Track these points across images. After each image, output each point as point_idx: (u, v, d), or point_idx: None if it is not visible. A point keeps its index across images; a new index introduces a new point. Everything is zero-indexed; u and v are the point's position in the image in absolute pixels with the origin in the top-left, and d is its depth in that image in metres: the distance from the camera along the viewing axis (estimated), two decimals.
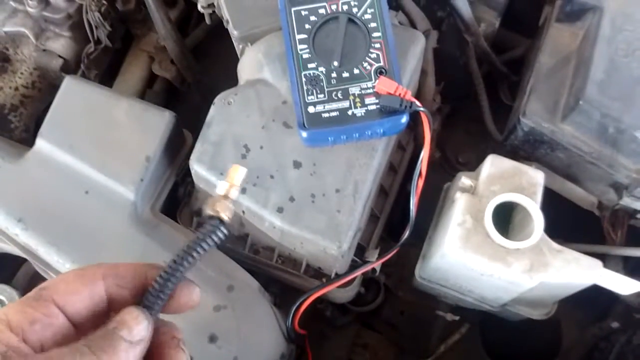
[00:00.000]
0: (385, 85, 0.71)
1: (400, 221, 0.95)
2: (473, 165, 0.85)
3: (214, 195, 0.51)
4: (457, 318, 1.01)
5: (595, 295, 0.82)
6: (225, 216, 0.49)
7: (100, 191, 0.80)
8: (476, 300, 0.90)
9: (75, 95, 0.83)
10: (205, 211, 0.48)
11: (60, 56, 0.99)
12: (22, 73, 1.03)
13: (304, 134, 0.73)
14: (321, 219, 0.75)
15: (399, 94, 0.71)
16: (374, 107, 0.72)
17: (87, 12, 0.97)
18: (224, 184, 0.50)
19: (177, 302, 0.49)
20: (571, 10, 0.91)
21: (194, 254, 0.47)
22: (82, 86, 0.84)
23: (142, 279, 0.49)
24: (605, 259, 0.93)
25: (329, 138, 0.74)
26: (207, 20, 0.95)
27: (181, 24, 1.15)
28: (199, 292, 0.50)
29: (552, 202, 0.80)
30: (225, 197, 0.50)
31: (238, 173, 0.51)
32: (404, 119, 0.73)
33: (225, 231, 0.49)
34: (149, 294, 0.47)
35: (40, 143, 0.82)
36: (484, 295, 0.87)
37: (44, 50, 1.00)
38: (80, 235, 0.77)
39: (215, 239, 0.48)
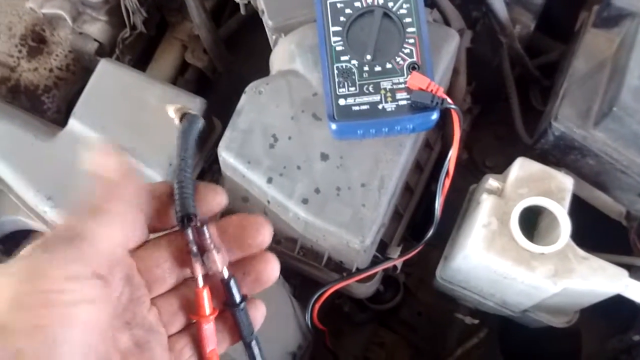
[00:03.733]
0: (417, 80, 0.71)
1: (423, 222, 0.95)
2: (500, 169, 0.85)
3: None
4: (476, 322, 1.00)
5: (617, 307, 0.81)
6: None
7: None
8: (497, 304, 0.90)
9: (109, 77, 0.84)
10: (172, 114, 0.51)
11: (95, 40, 1.01)
12: (57, 55, 1.05)
13: (334, 126, 0.73)
14: (346, 212, 0.75)
15: (431, 90, 0.70)
16: (404, 102, 0.72)
17: None
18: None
19: (207, 203, 0.48)
20: (608, 15, 0.90)
21: (188, 149, 0.50)
22: (117, 69, 0.85)
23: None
24: (631, 270, 0.91)
25: (358, 131, 0.74)
26: (242, 10, 0.96)
27: (215, 14, 1.16)
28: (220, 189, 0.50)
29: (580, 210, 0.79)
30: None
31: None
32: (435, 116, 0.72)
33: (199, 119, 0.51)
34: (178, 198, 0.47)
35: (73, 123, 0.83)
36: (506, 300, 0.87)
37: (80, 33, 1.02)
38: None
39: (196, 128, 0.51)
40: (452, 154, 0.74)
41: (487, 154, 1.14)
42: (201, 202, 0.48)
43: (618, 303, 0.78)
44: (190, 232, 0.47)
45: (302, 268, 0.85)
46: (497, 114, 1.13)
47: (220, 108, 0.90)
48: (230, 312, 0.49)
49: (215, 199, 0.49)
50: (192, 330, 0.48)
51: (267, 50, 0.89)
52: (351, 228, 0.75)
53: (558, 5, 1.04)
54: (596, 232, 0.88)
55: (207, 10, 1.02)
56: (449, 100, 0.71)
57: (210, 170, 0.90)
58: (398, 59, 0.73)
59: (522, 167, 0.79)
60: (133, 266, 0.45)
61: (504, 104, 1.07)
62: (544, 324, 0.89)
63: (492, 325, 1.05)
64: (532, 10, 0.98)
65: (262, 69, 0.87)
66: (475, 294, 0.89)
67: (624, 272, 0.75)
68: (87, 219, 0.41)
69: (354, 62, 0.74)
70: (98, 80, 0.84)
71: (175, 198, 0.47)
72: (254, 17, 0.97)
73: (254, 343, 0.51)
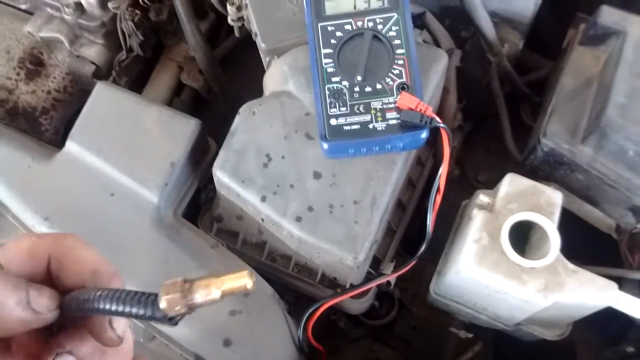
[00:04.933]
0: (406, 100, 0.72)
1: (417, 238, 0.96)
2: (492, 184, 0.86)
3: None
4: (470, 335, 1.01)
5: (610, 319, 0.81)
6: (169, 310, 0.38)
7: (125, 194, 0.82)
8: (490, 318, 0.90)
9: (106, 100, 0.86)
10: (160, 294, 0.39)
11: (92, 62, 1.03)
12: (54, 77, 1.06)
13: (325, 146, 0.74)
14: (338, 230, 0.77)
15: (420, 110, 0.72)
16: (394, 121, 0.74)
17: (121, 21, 1.01)
18: (206, 282, 0.39)
19: (91, 324, 0.43)
20: (595, 34, 0.92)
21: (114, 308, 0.39)
22: (113, 92, 0.87)
23: (79, 280, 0.43)
24: (622, 283, 0.92)
25: (350, 150, 0.76)
26: (236, 32, 0.98)
27: (211, 35, 1.18)
28: (114, 338, 0.43)
29: (570, 224, 0.80)
30: (190, 293, 0.38)
31: (239, 282, 0.39)
32: (424, 135, 0.74)
33: (157, 319, 0.39)
34: (74, 298, 0.42)
35: (70, 145, 0.84)
36: (498, 314, 0.88)
37: (78, 56, 1.04)
38: (104, 236, 0.80)
39: (144, 319, 0.40)
40: (443, 170, 0.76)
41: (479, 170, 1.15)
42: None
43: (611, 315, 0.79)
44: None
45: (297, 285, 0.86)
46: (488, 130, 1.14)
47: (215, 127, 0.91)
48: None
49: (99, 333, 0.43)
50: None
51: (260, 70, 0.90)
52: (344, 245, 0.76)
53: (545, 23, 1.06)
54: (587, 246, 0.89)
55: (202, 33, 1.04)
56: (437, 119, 0.72)
57: (205, 188, 0.91)
58: (388, 80, 0.75)
59: (511, 183, 0.80)
60: None
61: (495, 120, 1.09)
62: (537, 337, 0.90)
63: (487, 338, 1.06)
64: (519, 29, 1.00)
65: (257, 89, 0.89)
66: (469, 308, 0.90)
67: (613, 285, 0.76)
68: None
69: (345, 83, 0.75)
70: (95, 102, 0.86)
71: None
72: (248, 38, 0.99)
73: None
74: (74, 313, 0.42)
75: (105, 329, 0.42)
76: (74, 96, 1.08)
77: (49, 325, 0.44)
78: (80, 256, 0.44)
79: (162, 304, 0.38)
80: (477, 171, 1.15)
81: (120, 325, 0.43)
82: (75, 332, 0.43)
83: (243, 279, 0.38)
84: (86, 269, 0.43)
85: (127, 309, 0.39)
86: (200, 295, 0.38)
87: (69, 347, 0.42)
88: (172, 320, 0.39)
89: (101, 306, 0.39)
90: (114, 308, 0.39)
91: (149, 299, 0.39)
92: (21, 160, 0.85)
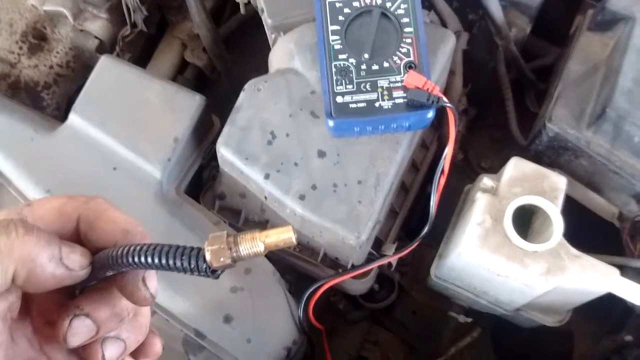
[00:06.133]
0: (413, 79, 0.72)
1: (418, 223, 0.96)
2: (494, 170, 0.86)
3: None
4: (469, 320, 1.01)
5: (609, 308, 0.82)
6: (214, 262, 0.39)
7: (128, 168, 0.82)
8: (490, 302, 0.90)
9: (110, 73, 0.85)
10: (205, 245, 0.39)
11: (96, 37, 1.02)
12: (57, 52, 1.05)
13: (331, 123, 0.74)
14: (342, 209, 0.76)
15: (427, 89, 0.71)
16: (401, 100, 0.73)
17: None
18: (251, 237, 0.39)
19: (123, 283, 0.43)
20: (603, 19, 0.91)
21: (157, 260, 0.40)
22: (118, 65, 0.86)
23: (111, 239, 0.43)
24: (623, 271, 0.92)
25: (355, 128, 0.75)
26: (242, 10, 0.97)
27: (215, 14, 1.17)
28: (147, 296, 0.43)
29: (573, 211, 0.80)
30: (235, 245, 0.39)
31: (282, 236, 0.39)
32: (430, 114, 0.74)
33: (201, 272, 0.40)
34: (107, 256, 0.42)
35: (73, 118, 0.84)
36: (499, 298, 0.87)
37: (81, 30, 1.03)
38: None
39: (187, 268, 0.40)
40: (448, 151, 0.75)
41: (482, 156, 1.15)
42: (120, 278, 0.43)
43: (610, 304, 0.79)
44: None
45: (298, 264, 0.86)
46: (492, 116, 1.14)
47: (218, 106, 0.90)
48: None
49: (133, 293, 0.43)
50: None
51: (265, 50, 0.90)
52: (347, 224, 0.76)
53: (553, 9, 1.06)
54: (589, 233, 0.89)
55: (207, 10, 1.03)
56: (444, 98, 0.72)
57: (208, 166, 0.90)
58: (395, 58, 0.75)
59: (516, 167, 0.80)
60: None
61: (499, 106, 1.08)
62: (536, 324, 0.90)
63: (486, 324, 1.06)
64: (527, 13, 1.00)
65: (260, 69, 0.88)
66: (469, 292, 0.90)
67: (615, 271, 0.76)
68: None
69: (352, 60, 0.75)
70: (99, 75, 0.85)
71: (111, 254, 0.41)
72: (253, 17, 0.98)
73: None
74: (106, 271, 0.42)
75: (138, 286, 0.42)
76: (77, 72, 1.07)
77: (71, 289, 0.44)
78: (112, 216, 0.43)
79: (208, 256, 0.38)
80: (480, 157, 1.14)
81: (153, 284, 0.43)
82: (95, 296, 0.43)
83: (288, 233, 0.39)
84: (118, 228, 0.43)
85: (172, 262, 0.39)
86: (244, 248, 0.38)
87: (87, 309, 0.42)
88: (215, 273, 0.39)
89: (142, 259, 0.39)
90: (157, 261, 0.39)
91: (193, 251, 0.39)
92: (23, 133, 0.84)
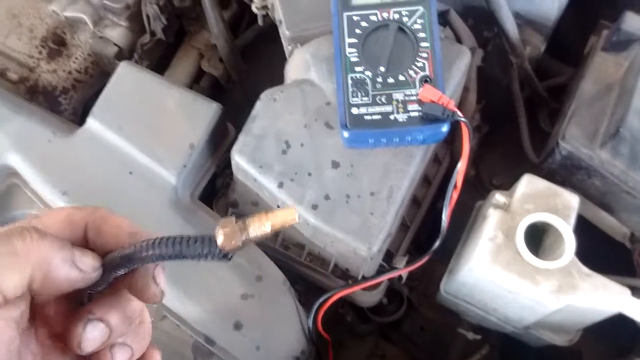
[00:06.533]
0: (429, 93, 0.73)
1: (428, 237, 0.96)
2: (506, 187, 0.86)
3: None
4: (478, 337, 1.00)
5: (619, 329, 0.81)
6: (226, 245, 0.40)
7: (143, 173, 0.82)
8: (500, 320, 0.90)
9: (129, 79, 0.86)
10: (216, 228, 0.41)
11: (115, 44, 1.03)
12: (76, 58, 1.07)
13: (346, 134, 0.75)
14: (354, 220, 0.77)
15: (442, 103, 0.72)
16: (416, 113, 0.74)
17: (145, 5, 1.01)
18: (260, 218, 0.41)
19: (134, 281, 0.44)
20: (618, 40, 0.92)
21: (171, 250, 0.41)
22: (137, 72, 0.87)
23: (117, 242, 0.45)
24: (634, 292, 0.92)
25: (370, 140, 0.76)
26: (260, 21, 0.98)
27: (232, 25, 1.18)
28: (157, 293, 0.45)
29: (584, 231, 0.80)
30: (244, 228, 0.40)
31: (284, 216, 0.41)
32: (445, 128, 0.74)
33: (213, 257, 0.41)
34: (118, 256, 0.43)
35: (91, 122, 0.85)
36: (508, 315, 0.87)
37: (101, 37, 1.04)
38: (120, 213, 0.79)
39: (197, 257, 0.41)
40: (461, 166, 0.76)
41: (494, 173, 1.15)
42: (132, 275, 0.45)
43: (619, 325, 0.79)
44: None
45: (309, 274, 0.86)
46: (505, 133, 1.14)
47: (232, 115, 0.91)
48: None
49: (143, 289, 0.44)
50: None
51: (279, 61, 0.91)
52: (359, 235, 0.76)
53: (568, 29, 1.06)
54: (600, 254, 0.89)
55: (225, 21, 1.05)
56: (459, 113, 0.72)
57: (222, 173, 0.91)
58: (411, 72, 0.75)
59: (529, 184, 0.80)
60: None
61: (512, 124, 1.08)
62: (546, 342, 0.90)
63: (495, 342, 1.05)
64: (542, 32, 1.00)
65: (274, 80, 0.89)
66: (479, 308, 0.90)
67: (626, 291, 0.76)
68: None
69: (368, 73, 0.76)
70: (118, 81, 0.86)
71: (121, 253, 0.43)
72: (269, 29, 0.99)
73: None
74: (117, 271, 0.43)
75: (149, 283, 0.43)
76: (95, 78, 1.08)
77: (78, 298, 0.45)
78: (117, 221, 0.45)
79: (220, 239, 0.40)
80: (491, 174, 1.15)
81: (162, 280, 0.44)
82: (104, 301, 0.44)
83: (291, 214, 0.41)
84: (124, 231, 0.44)
85: (185, 249, 0.40)
86: (253, 229, 0.40)
87: (99, 314, 0.43)
88: (227, 257, 0.41)
89: (157, 250, 0.41)
90: (171, 250, 0.40)
91: (205, 237, 0.41)
92: (42, 135, 0.85)
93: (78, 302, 0.45)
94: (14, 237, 0.40)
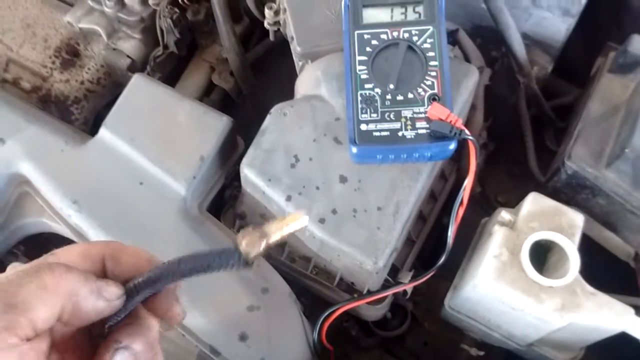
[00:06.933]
0: (437, 111, 0.74)
1: (432, 253, 0.97)
2: (511, 205, 0.87)
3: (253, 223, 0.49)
4: (481, 353, 1.01)
5: (622, 348, 0.81)
6: (250, 253, 0.43)
7: (154, 184, 0.84)
8: (503, 336, 0.90)
9: (142, 91, 0.88)
10: (237, 238, 0.44)
11: (128, 56, 1.05)
12: (89, 68, 1.09)
13: (354, 150, 0.76)
14: (361, 234, 0.78)
15: (450, 121, 0.73)
16: (424, 131, 0.75)
17: (159, 18, 1.03)
18: (275, 225, 0.44)
19: (158, 304, 0.47)
20: (624, 62, 0.93)
21: (195, 268, 0.44)
22: (149, 84, 0.89)
23: (137, 270, 0.47)
24: (637, 312, 0.92)
25: (378, 156, 0.77)
26: (272, 36, 0.99)
27: (243, 40, 1.20)
28: (180, 312, 0.48)
29: (588, 251, 0.80)
30: (264, 235, 0.44)
31: (296, 222, 0.45)
32: (452, 146, 0.75)
33: (236, 266, 0.44)
34: (141, 281, 0.46)
35: (103, 132, 0.86)
36: (512, 332, 0.88)
37: (114, 49, 1.06)
38: (130, 223, 0.81)
39: (221, 268, 0.44)
40: (468, 183, 0.77)
41: (500, 191, 1.16)
42: (154, 299, 0.48)
43: (623, 344, 0.79)
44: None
45: (314, 287, 0.87)
46: (511, 152, 1.15)
47: (241, 128, 0.93)
48: None
49: (167, 311, 0.48)
50: None
51: (291, 77, 0.92)
52: (365, 249, 0.77)
53: (575, 50, 1.08)
54: (604, 273, 0.89)
55: (237, 35, 1.06)
56: (466, 131, 0.73)
57: (230, 185, 0.92)
58: (419, 90, 0.77)
59: (534, 202, 0.81)
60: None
61: (518, 142, 1.09)
62: None
63: (498, 358, 1.05)
64: (550, 52, 1.02)
65: (283, 94, 0.90)
66: (483, 324, 0.90)
67: (630, 310, 0.76)
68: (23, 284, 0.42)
69: (378, 90, 0.77)
70: (131, 93, 0.88)
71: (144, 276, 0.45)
72: (280, 44, 1.01)
73: None
74: (142, 294, 0.45)
75: (173, 303, 0.47)
76: (107, 88, 1.10)
77: (99, 330, 0.47)
78: (133, 250, 0.48)
79: (243, 248, 0.43)
80: (497, 192, 1.15)
81: (181, 300, 0.47)
82: (127, 330, 0.46)
83: (302, 218, 0.44)
84: (143, 259, 0.47)
85: (210, 262, 0.43)
86: (272, 236, 0.43)
87: (125, 342, 0.45)
88: (249, 264, 0.44)
89: (184, 267, 0.43)
90: (197, 266, 0.43)
91: (227, 249, 0.44)
92: (55, 144, 0.86)
93: (95, 334, 0.47)
94: (43, 271, 0.42)
